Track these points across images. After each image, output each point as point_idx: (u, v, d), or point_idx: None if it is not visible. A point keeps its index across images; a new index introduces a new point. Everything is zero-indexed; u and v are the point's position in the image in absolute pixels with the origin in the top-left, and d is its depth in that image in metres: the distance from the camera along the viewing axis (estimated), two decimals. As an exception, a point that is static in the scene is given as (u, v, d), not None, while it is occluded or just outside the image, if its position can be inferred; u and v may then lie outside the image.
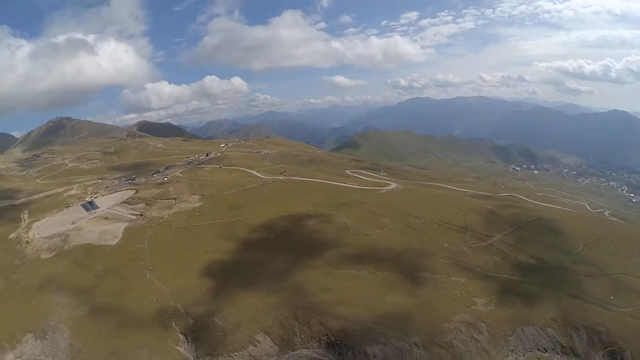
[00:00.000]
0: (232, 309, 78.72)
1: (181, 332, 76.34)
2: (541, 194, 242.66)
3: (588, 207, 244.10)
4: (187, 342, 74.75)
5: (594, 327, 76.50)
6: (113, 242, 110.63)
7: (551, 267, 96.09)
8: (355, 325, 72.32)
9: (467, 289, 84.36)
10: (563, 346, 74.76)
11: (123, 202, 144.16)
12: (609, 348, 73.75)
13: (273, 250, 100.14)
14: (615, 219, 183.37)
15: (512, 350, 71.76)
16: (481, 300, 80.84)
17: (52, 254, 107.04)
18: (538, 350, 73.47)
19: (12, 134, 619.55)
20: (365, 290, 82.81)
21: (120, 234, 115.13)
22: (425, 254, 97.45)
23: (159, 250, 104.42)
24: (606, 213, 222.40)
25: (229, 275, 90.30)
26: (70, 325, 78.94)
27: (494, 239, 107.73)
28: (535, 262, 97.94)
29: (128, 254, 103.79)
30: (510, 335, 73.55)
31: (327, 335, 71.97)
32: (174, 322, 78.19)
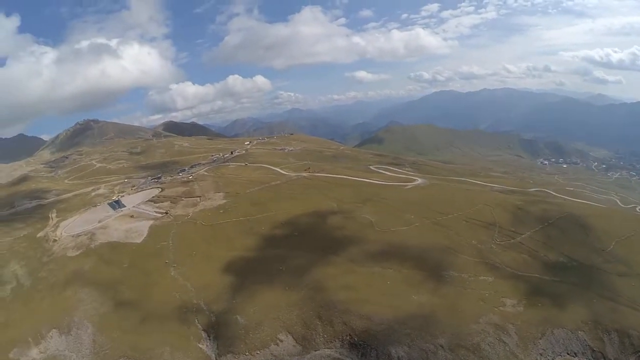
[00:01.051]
0: (255, 307, 78.26)
1: (203, 329, 76.67)
2: (571, 189, 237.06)
3: (619, 202, 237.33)
4: (209, 339, 74.91)
5: (626, 331, 72.98)
6: (139, 240, 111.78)
7: (582, 265, 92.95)
8: (379, 325, 70.90)
9: (495, 288, 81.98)
10: (593, 350, 71.38)
11: (149, 200, 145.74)
12: (640, 352, 70.72)
13: (297, 247, 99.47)
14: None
15: (541, 354, 68.86)
16: (510, 301, 78.36)
17: (79, 251, 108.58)
18: (568, 354, 70.35)
19: (41, 137, 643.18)
20: (390, 289, 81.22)
21: (146, 231, 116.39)
22: (453, 251, 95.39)
23: (183, 248, 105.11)
24: (638, 209, 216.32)
25: (251, 273, 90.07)
26: (95, 321, 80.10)
27: (523, 236, 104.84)
28: (565, 261, 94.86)
29: (153, 252, 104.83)
30: (540, 339, 70.66)
31: (350, 335, 70.70)
32: (196, 319, 78.52)
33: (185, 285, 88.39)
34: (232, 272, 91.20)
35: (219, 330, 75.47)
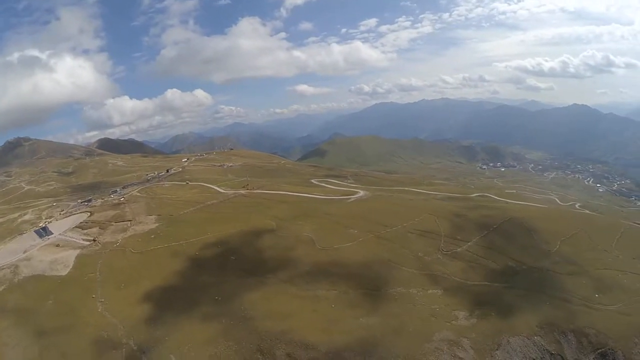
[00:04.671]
0: (189, 343, 70.45)
1: (135, 373, 68.49)
2: (512, 192, 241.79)
3: (558, 200, 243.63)
4: (143, 384, 66.88)
5: (582, 330, 72.73)
6: (64, 272, 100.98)
7: (531, 269, 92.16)
8: (326, 354, 65.14)
9: (445, 301, 78.78)
10: (552, 354, 70.14)
11: (76, 226, 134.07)
12: (600, 350, 70.18)
13: (233, 273, 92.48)
14: (587, 211, 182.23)
15: (499, 366, 66.00)
16: (462, 314, 75.22)
17: (2, 287, 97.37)
18: (527, 362, 68.10)
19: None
20: (336, 313, 75.92)
21: (72, 262, 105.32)
22: (399, 266, 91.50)
23: (112, 280, 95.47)
24: (577, 206, 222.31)
25: (185, 305, 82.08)
26: None
27: (469, 243, 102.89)
28: (514, 265, 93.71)
29: (79, 285, 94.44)
30: (496, 350, 67.78)
31: (295, 368, 64.82)
32: (126, 363, 70.19)
33: (114, 322, 79.11)
34: (163, 305, 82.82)
35: (152, 373, 67.81)
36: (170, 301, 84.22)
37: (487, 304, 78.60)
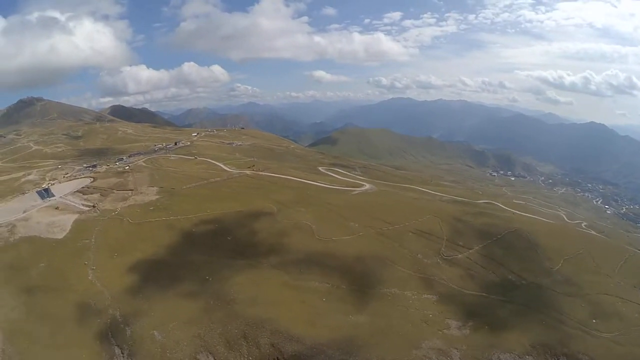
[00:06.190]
0: (174, 322, 69.32)
1: (117, 345, 66.79)
2: (520, 202, 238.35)
3: (565, 217, 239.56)
4: (123, 356, 65.28)
5: (576, 355, 69.82)
6: (60, 236, 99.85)
7: (531, 285, 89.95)
8: (311, 349, 63.69)
9: (439, 309, 76.86)
10: (542, 376, 67.32)
11: (77, 191, 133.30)
12: (591, 379, 66.93)
13: (227, 255, 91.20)
14: (593, 232, 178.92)
15: (486, 383, 64.15)
16: (455, 323, 73.31)
17: None
18: (515, 381, 66.17)
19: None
20: (326, 307, 74.48)
21: (69, 226, 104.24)
22: (396, 266, 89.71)
23: (106, 248, 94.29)
24: (583, 225, 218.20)
25: (175, 282, 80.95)
26: (5, 329, 69.40)
27: (470, 251, 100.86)
28: (514, 279, 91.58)
29: (73, 250, 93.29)
30: (486, 364, 65.70)
31: (277, 359, 63.30)
32: (110, 332, 68.66)
33: (103, 292, 78.29)
34: (152, 279, 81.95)
35: (134, 347, 66.16)
36: (159, 275, 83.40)
37: (481, 315, 76.72)
